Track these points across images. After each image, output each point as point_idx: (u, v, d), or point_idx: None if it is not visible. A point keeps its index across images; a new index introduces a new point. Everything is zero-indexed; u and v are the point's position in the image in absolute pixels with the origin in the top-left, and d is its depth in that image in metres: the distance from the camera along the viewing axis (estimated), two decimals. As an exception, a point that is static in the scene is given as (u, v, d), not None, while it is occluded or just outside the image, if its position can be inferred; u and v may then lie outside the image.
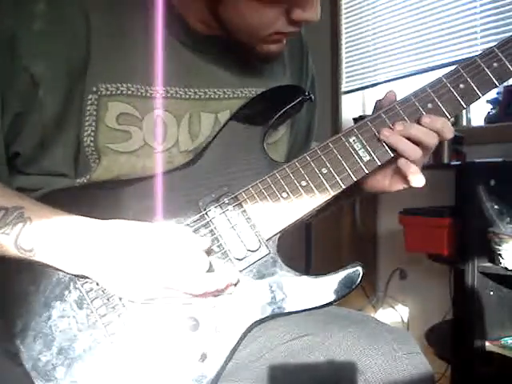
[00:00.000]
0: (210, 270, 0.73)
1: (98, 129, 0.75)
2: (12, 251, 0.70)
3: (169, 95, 0.79)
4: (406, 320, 2.46)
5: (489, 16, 2.10)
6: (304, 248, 2.44)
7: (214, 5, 0.75)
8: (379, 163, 0.79)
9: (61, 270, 0.71)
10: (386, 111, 0.79)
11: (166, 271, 0.69)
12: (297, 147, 0.99)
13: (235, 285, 0.74)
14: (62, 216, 0.71)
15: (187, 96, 0.80)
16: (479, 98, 0.79)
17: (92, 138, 0.75)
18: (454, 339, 1.88)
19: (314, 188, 0.77)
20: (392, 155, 0.79)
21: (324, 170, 0.78)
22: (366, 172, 0.79)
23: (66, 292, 0.72)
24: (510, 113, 1.96)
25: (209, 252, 0.74)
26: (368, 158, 0.78)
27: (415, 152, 0.77)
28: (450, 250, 1.86)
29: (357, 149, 0.78)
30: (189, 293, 0.70)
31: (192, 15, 0.80)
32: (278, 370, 0.71)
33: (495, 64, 0.78)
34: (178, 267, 0.69)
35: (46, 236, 0.70)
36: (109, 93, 0.75)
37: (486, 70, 0.78)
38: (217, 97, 0.83)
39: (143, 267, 0.69)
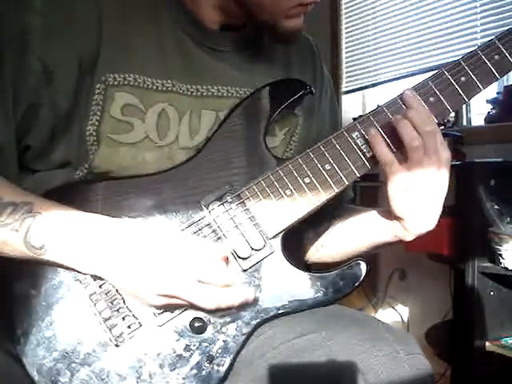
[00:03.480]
0: None
1: (102, 118, 0.74)
2: (20, 249, 0.68)
3: (174, 89, 0.78)
4: (406, 320, 2.46)
5: (489, 16, 2.10)
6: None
7: None
8: None
9: (72, 269, 0.70)
10: (388, 105, 0.79)
11: (179, 277, 0.67)
12: None
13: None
14: (72, 212, 0.70)
15: (189, 92, 0.80)
16: (480, 90, 0.79)
17: (95, 128, 0.74)
18: (454, 339, 1.88)
19: (317, 185, 0.77)
20: (394, 150, 0.77)
21: (327, 166, 0.77)
22: (369, 168, 0.78)
23: (69, 295, 0.71)
24: (510, 113, 1.96)
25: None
26: (371, 153, 0.77)
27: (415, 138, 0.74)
28: (450, 250, 1.85)
29: (359, 144, 0.78)
30: (199, 306, 0.69)
31: (208, 4, 0.80)
32: (279, 369, 0.71)
33: (496, 56, 0.78)
34: (193, 274, 0.68)
35: (57, 232, 0.68)
36: (116, 83, 0.74)
37: (487, 62, 0.78)
38: (220, 94, 0.82)
39: (158, 268, 0.67)
